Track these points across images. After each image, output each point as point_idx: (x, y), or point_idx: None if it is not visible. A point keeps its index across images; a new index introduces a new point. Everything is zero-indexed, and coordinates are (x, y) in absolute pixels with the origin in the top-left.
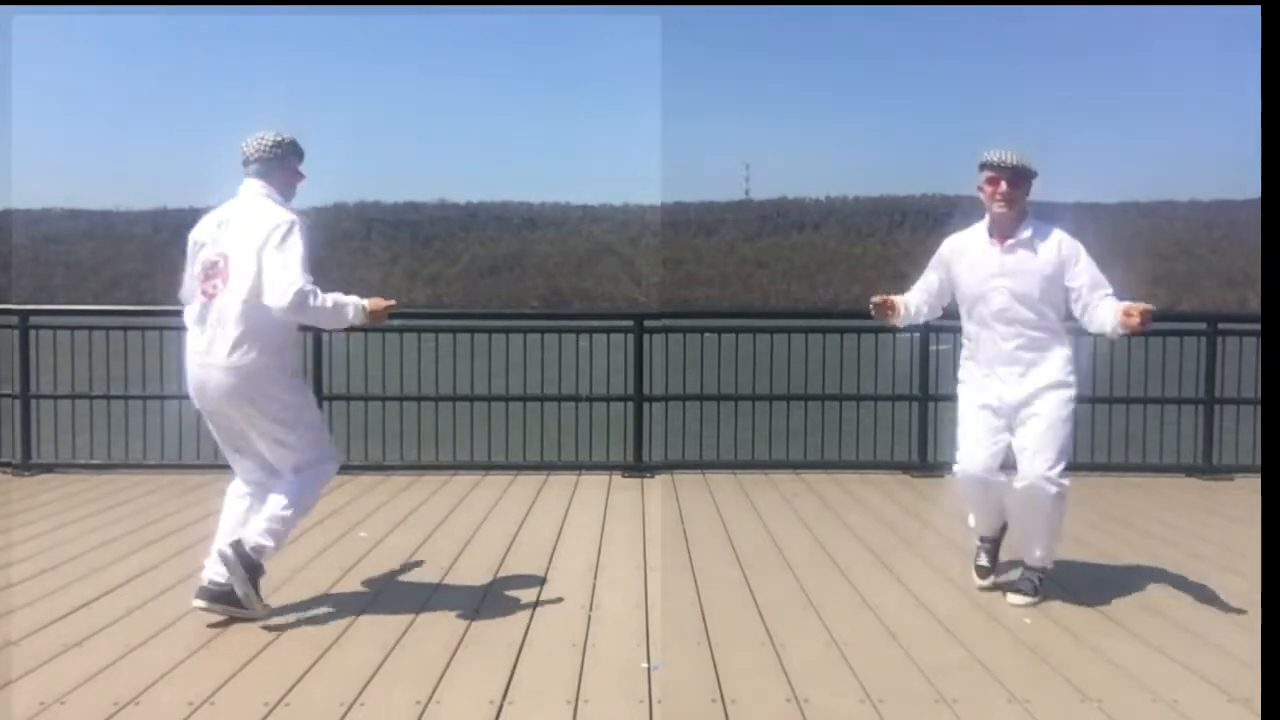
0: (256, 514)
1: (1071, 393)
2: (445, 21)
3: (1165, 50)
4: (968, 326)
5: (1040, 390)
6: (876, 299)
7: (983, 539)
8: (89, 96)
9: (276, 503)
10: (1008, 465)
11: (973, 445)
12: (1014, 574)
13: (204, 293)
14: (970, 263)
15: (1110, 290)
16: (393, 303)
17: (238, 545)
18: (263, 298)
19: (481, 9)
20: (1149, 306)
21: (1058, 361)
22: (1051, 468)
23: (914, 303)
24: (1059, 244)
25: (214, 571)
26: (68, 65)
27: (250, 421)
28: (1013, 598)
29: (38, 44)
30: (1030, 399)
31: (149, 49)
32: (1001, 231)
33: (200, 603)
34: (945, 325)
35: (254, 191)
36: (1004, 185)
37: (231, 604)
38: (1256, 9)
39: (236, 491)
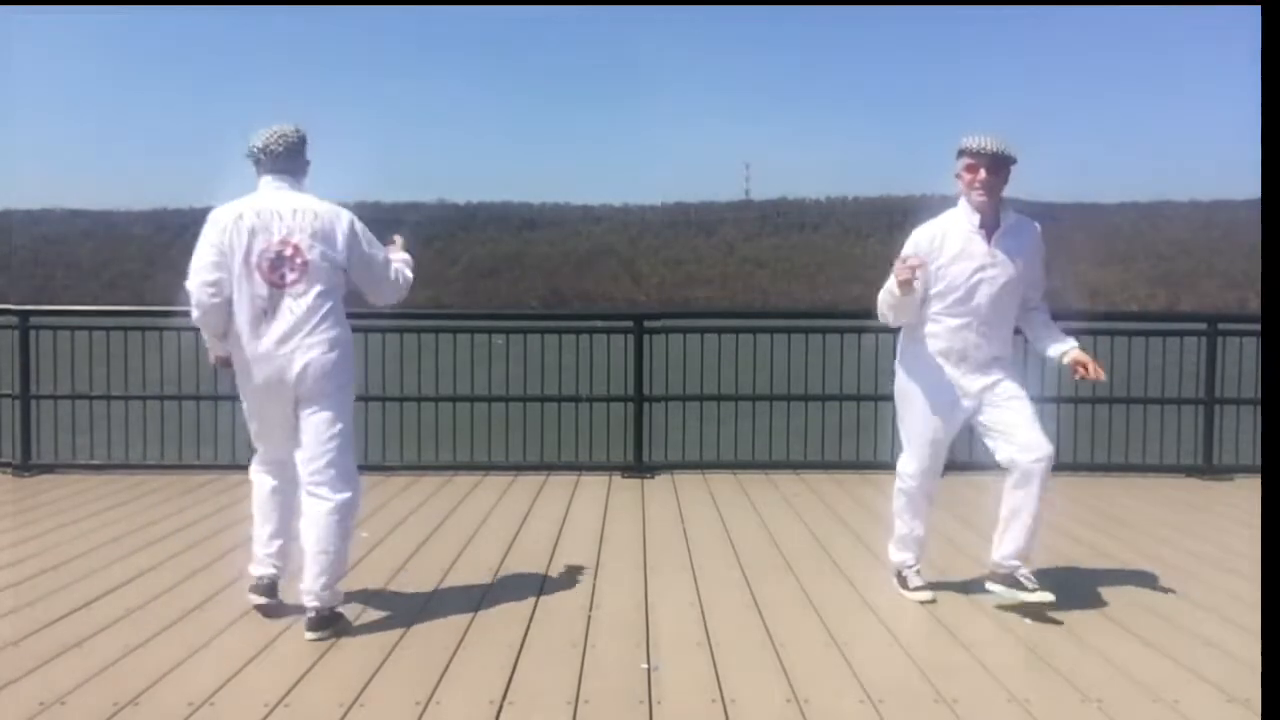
0: (308, 566)
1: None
2: (445, 21)
3: (1165, 50)
4: (944, 321)
5: (1001, 376)
6: (912, 261)
7: (913, 561)
8: (89, 96)
9: (322, 558)
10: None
11: (924, 443)
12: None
13: (273, 283)
14: (955, 253)
15: (1041, 302)
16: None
17: (319, 623)
18: (379, 294)
19: (481, 9)
20: (1100, 375)
21: (1008, 355)
22: (1049, 443)
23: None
24: (1036, 238)
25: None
26: (68, 65)
27: (311, 403)
28: (1039, 595)
29: (38, 44)
30: (993, 384)
31: (149, 49)
32: (986, 221)
33: (314, 634)
34: None
35: (284, 185)
36: (983, 173)
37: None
38: (1256, 9)
39: (259, 480)
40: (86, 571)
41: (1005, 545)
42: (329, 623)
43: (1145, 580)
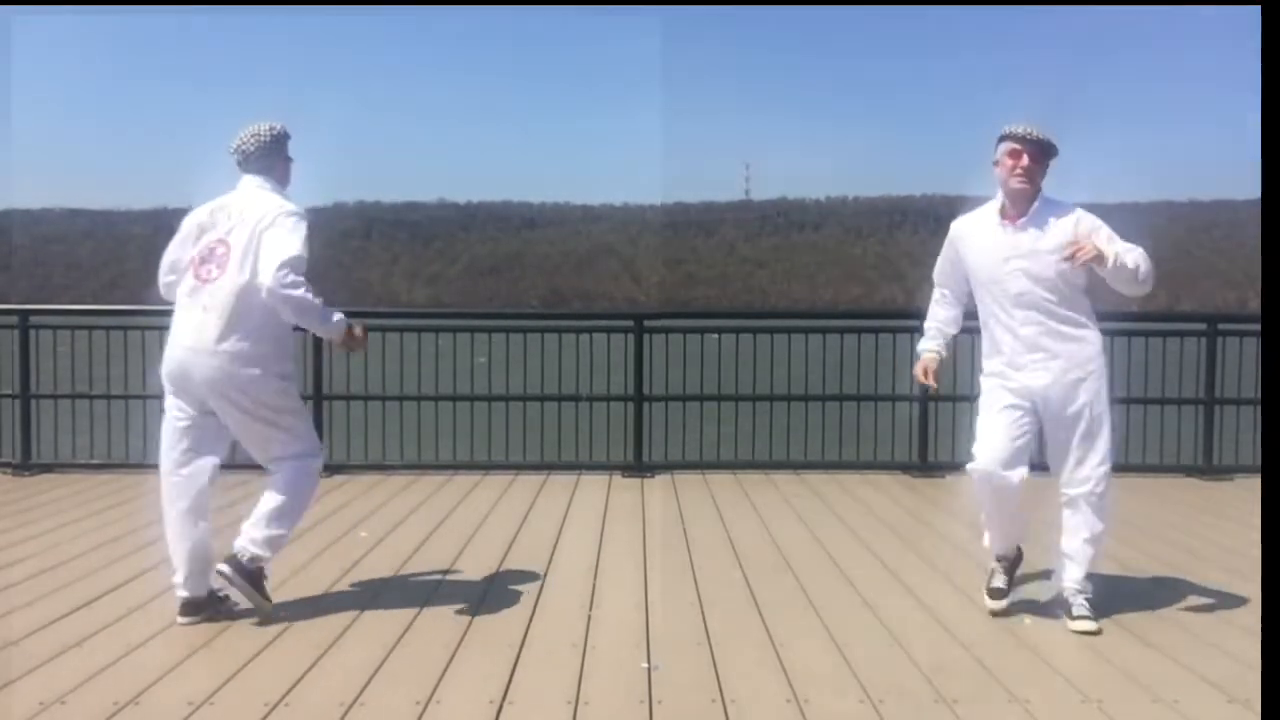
0: (247, 518)
1: (1103, 385)
2: (445, 21)
3: (1165, 50)
4: (984, 315)
5: (1071, 385)
6: (921, 376)
7: (999, 557)
8: (89, 96)
9: (271, 509)
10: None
11: (990, 438)
12: (1040, 593)
13: (198, 277)
14: (981, 245)
15: (1138, 249)
16: (365, 339)
17: (234, 561)
18: (257, 279)
19: (481, 9)
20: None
21: (1087, 350)
22: (1096, 471)
23: (945, 332)
24: (1076, 221)
25: (192, 586)
26: (68, 65)
27: (228, 415)
28: (1077, 624)
29: (38, 44)
30: (1062, 396)
31: (149, 49)
32: (1015, 210)
33: (184, 619)
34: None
35: (256, 184)
36: (1026, 159)
37: (211, 605)
38: (1256, 9)
39: (175, 486)
40: (86, 571)
41: (1063, 572)
42: (250, 577)
43: (1145, 580)
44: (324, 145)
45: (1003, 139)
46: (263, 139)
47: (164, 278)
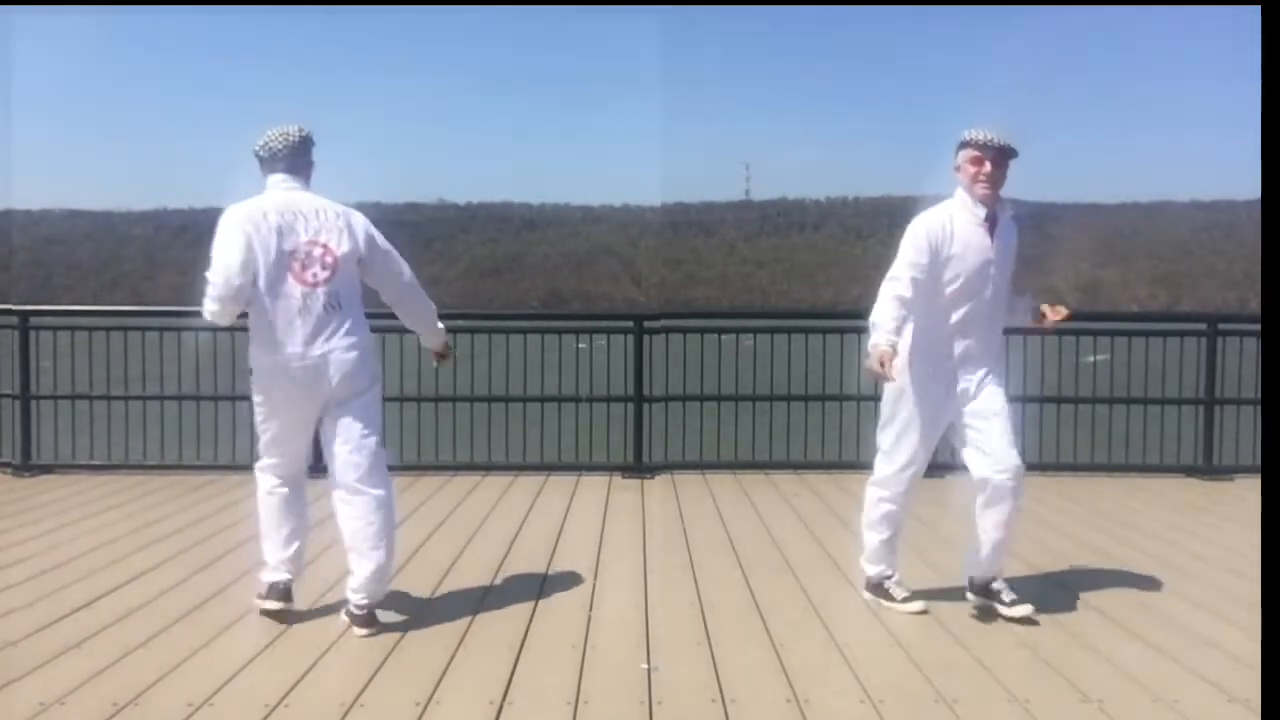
0: (360, 563)
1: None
2: (445, 21)
3: (1165, 50)
4: (950, 314)
5: (985, 379)
6: (878, 366)
7: (892, 565)
8: (89, 96)
9: (375, 551)
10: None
11: (917, 448)
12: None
13: (304, 281)
14: (965, 245)
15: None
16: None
17: (366, 619)
18: (397, 292)
19: (481, 9)
20: (1067, 312)
21: (998, 352)
22: (1019, 462)
23: (901, 329)
24: (1015, 226)
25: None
26: (68, 65)
27: (358, 406)
28: (1017, 610)
29: (38, 44)
30: (978, 387)
31: (149, 49)
32: (989, 214)
33: (366, 631)
34: None
35: (294, 185)
36: (988, 166)
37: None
38: (1256, 9)
39: (271, 488)
40: (86, 571)
41: (980, 567)
42: (375, 620)
43: (1145, 580)
44: (324, 147)
45: (964, 145)
46: (292, 139)
47: (237, 280)
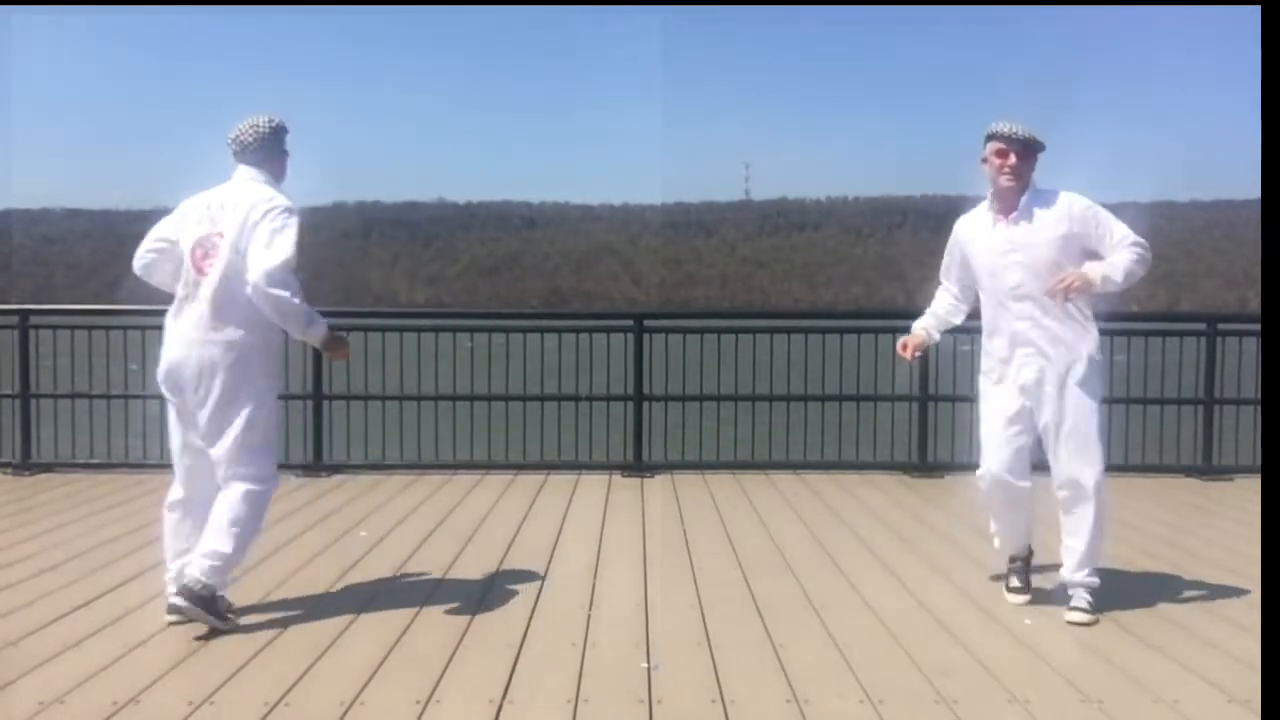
0: (196, 540)
1: (1098, 382)
2: (445, 21)
3: (1165, 50)
4: (986, 310)
5: (1065, 382)
6: (901, 349)
7: (1011, 559)
8: (89, 96)
9: (219, 534)
10: (1039, 468)
11: (993, 444)
12: (1045, 584)
13: (199, 270)
14: (982, 243)
15: (1131, 239)
16: (348, 355)
17: (186, 591)
18: (249, 284)
19: (481, 8)
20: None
21: (1080, 348)
22: (1091, 469)
23: (940, 316)
24: (1069, 206)
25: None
26: (68, 64)
27: (215, 404)
28: (1072, 615)
29: (38, 43)
30: (1056, 392)
31: (149, 48)
32: (1005, 206)
33: (172, 617)
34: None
35: (250, 176)
36: (1013, 158)
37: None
38: (1256, 9)
39: (172, 503)
40: (86, 571)
41: (1065, 564)
42: (203, 603)
43: (1145, 581)
44: (324, 145)
45: (989, 138)
46: (261, 131)
47: (145, 252)
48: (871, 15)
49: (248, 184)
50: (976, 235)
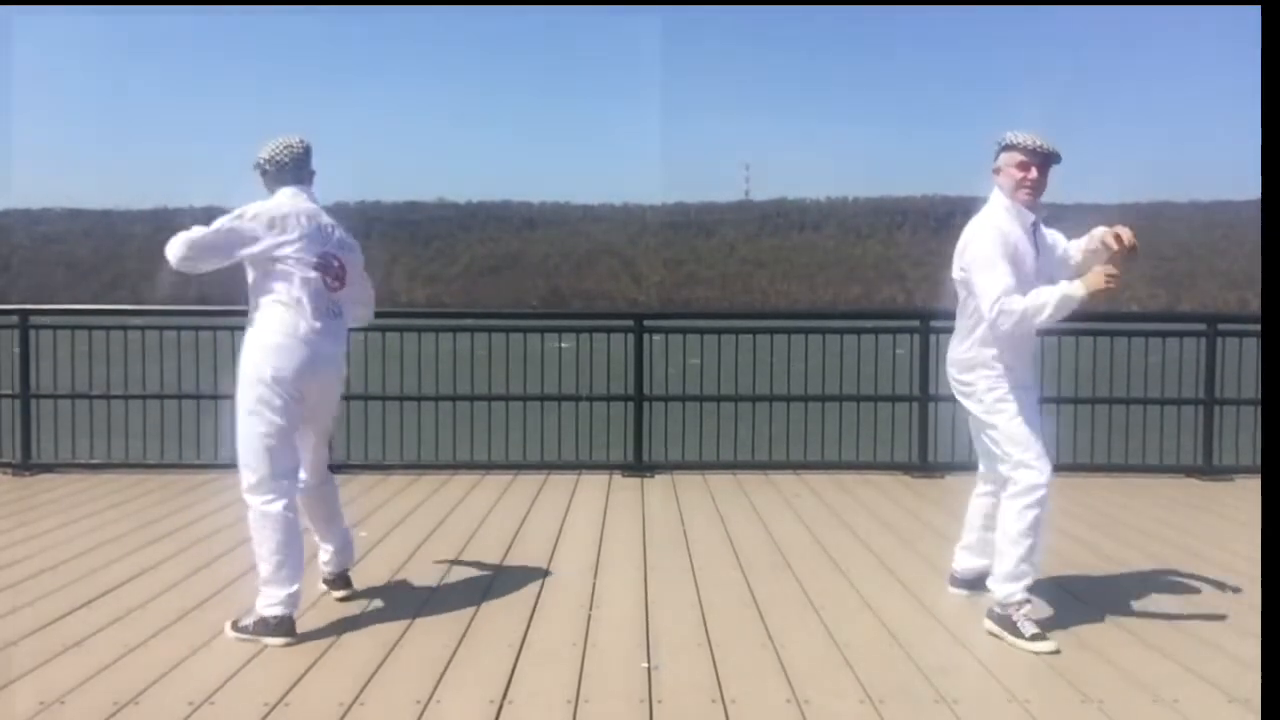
0: (333, 536)
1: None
2: (445, 21)
3: (1165, 49)
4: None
5: (1032, 381)
6: (1102, 283)
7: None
8: (89, 96)
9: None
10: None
11: (1041, 446)
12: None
13: (329, 286)
14: (1024, 251)
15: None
16: None
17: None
18: (364, 307)
19: (482, 9)
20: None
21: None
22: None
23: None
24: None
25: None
26: (68, 65)
27: (329, 407)
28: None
29: (38, 43)
30: (1035, 401)
31: (149, 48)
32: (1025, 218)
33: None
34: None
35: (309, 197)
36: (1034, 171)
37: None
38: (1256, 9)
39: (294, 507)
40: (86, 571)
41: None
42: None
43: (1145, 580)
44: (324, 146)
45: (1009, 148)
46: (296, 151)
47: (249, 253)
48: (872, 15)
49: (318, 211)
50: (1020, 243)
